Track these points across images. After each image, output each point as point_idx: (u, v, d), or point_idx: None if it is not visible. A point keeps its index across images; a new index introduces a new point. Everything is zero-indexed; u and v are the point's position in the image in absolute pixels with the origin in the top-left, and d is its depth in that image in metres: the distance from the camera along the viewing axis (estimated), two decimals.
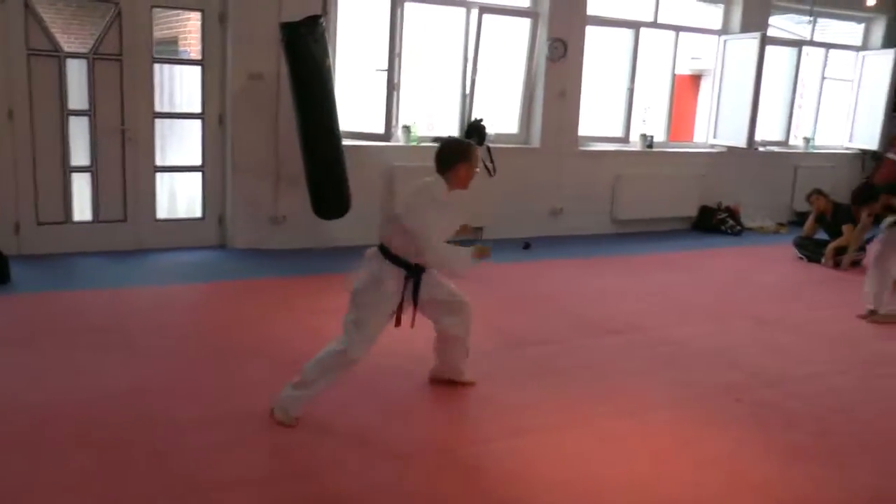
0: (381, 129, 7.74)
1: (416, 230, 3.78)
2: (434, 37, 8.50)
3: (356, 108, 7.65)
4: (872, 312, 6.15)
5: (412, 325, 4.10)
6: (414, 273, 3.94)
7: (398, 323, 3.98)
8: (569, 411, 4.22)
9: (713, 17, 10.22)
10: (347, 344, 3.85)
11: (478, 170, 4.13)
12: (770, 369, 5.11)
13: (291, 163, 7.14)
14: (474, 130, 8.15)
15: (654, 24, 9.53)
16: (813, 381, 4.97)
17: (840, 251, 8.05)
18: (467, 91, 8.27)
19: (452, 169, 3.99)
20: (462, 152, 4.04)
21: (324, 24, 6.67)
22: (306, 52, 6.52)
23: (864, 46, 11.74)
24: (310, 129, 6.74)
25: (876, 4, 10.09)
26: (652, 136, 9.59)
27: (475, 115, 8.23)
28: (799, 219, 10.23)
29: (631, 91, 9.45)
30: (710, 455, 3.84)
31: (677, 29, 9.74)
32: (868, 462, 3.89)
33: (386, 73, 7.49)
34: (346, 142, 7.06)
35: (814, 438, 4.12)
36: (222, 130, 7.33)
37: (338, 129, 6.87)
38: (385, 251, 3.92)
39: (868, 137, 11.51)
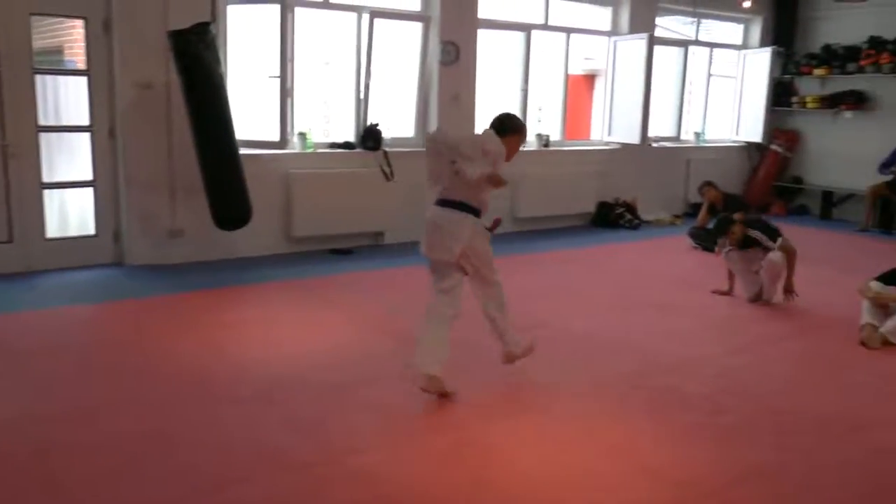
0: (276, 137, 7.64)
1: (492, 152, 4.18)
2: (327, 42, 8.44)
3: (251, 116, 7.52)
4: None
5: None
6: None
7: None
8: (474, 409, 4.25)
9: (603, 18, 10.48)
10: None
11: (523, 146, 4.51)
12: (668, 355, 5.27)
13: (188, 174, 6.98)
14: (370, 135, 8.16)
15: (545, 27, 9.72)
16: (707, 364, 5.15)
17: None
18: (362, 96, 8.26)
19: (509, 136, 4.38)
20: (522, 127, 4.52)
21: (213, 30, 6.56)
22: (197, 59, 6.40)
23: (745, 45, 12.29)
24: (204, 138, 6.61)
25: (752, 6, 10.53)
26: (548, 136, 9.76)
27: (371, 120, 8.23)
28: (693, 210, 10.57)
29: (525, 92, 9.59)
30: (610, 443, 3.93)
31: (568, 31, 9.95)
32: (759, 439, 4.06)
33: (279, 79, 7.40)
34: (242, 150, 6.95)
35: (708, 419, 4.27)
36: (113, 143, 7.08)
37: (233, 137, 6.76)
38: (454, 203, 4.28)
39: (752, 130, 12.04)
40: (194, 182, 6.86)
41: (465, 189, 4.30)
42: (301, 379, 4.58)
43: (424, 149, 4.64)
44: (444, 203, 4.39)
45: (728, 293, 6.91)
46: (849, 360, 5.38)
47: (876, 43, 11.05)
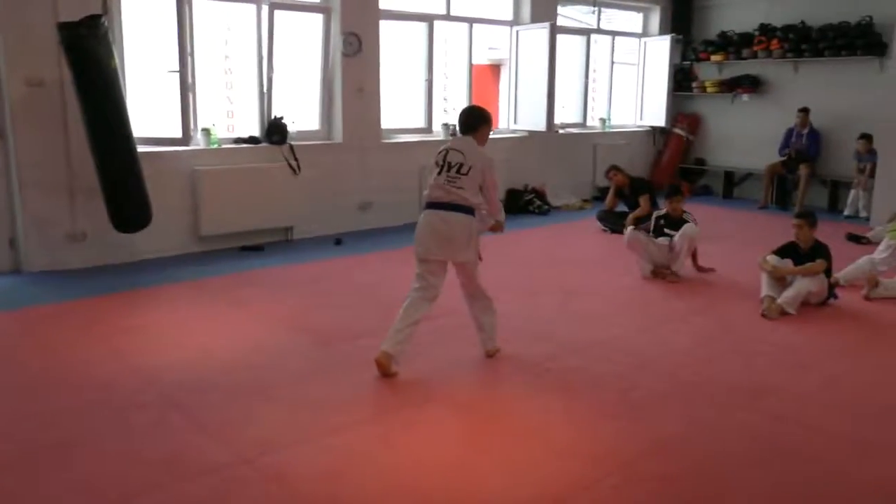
0: (178, 133, 7.45)
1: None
2: (228, 34, 8.27)
3: (150, 112, 7.32)
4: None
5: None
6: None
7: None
8: (385, 403, 4.23)
9: (504, 8, 10.55)
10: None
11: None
12: (578, 336, 5.35)
13: (86, 175, 6.72)
14: (275, 129, 8.04)
15: (448, 17, 9.73)
16: (617, 343, 5.25)
17: (639, 221, 8.51)
18: (265, 89, 8.13)
19: (479, 130, 4.70)
20: (486, 116, 4.78)
21: (106, 23, 6.31)
22: (89, 54, 6.15)
23: (645, 33, 12.58)
24: (100, 136, 6.37)
25: None
26: (455, 125, 9.74)
27: (275, 114, 8.11)
28: (601, 194, 10.76)
29: (429, 82, 9.59)
30: (521, 426, 3.97)
31: (470, 21, 9.99)
32: (667, 412, 4.16)
33: (178, 74, 7.22)
34: (141, 148, 6.75)
35: (618, 396, 4.36)
36: (4, 144, 6.73)
37: (131, 135, 6.54)
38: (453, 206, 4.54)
39: (656, 115, 12.32)
40: (94, 183, 6.62)
41: None
42: (210, 381, 4.47)
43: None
44: None
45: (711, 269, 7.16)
46: (750, 331, 5.56)
47: (766, 30, 11.45)
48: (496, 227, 4.93)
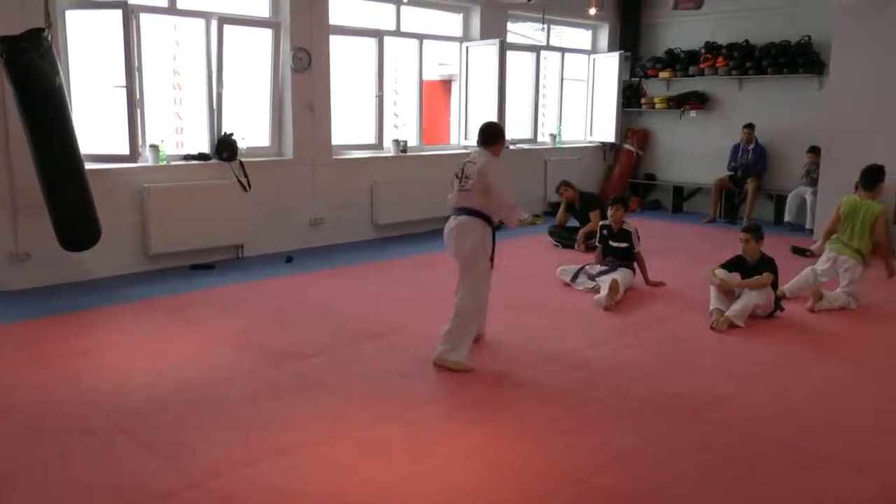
0: (126, 150, 7.31)
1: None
2: (176, 49, 8.16)
3: (97, 129, 7.18)
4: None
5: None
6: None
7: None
8: (335, 422, 4.17)
9: (454, 24, 10.62)
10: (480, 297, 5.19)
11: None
12: (530, 353, 5.35)
13: (31, 192, 6.56)
14: (225, 145, 7.96)
15: (397, 33, 9.75)
16: (567, 357, 5.27)
17: (589, 236, 8.59)
18: (214, 105, 8.05)
19: (496, 144, 5.23)
20: (501, 132, 5.36)
21: (49, 37, 6.19)
22: (31, 69, 5.99)
23: (594, 50, 12.75)
24: (45, 153, 6.22)
25: (598, 14, 10.91)
26: (405, 142, 9.78)
27: (225, 130, 8.03)
28: (552, 209, 10.82)
29: (380, 98, 9.59)
30: (469, 444, 3.93)
31: (420, 37, 10.03)
32: (619, 425, 4.18)
33: (125, 89, 7.11)
34: (88, 165, 6.62)
35: (570, 411, 4.36)
36: None
37: (77, 151, 6.40)
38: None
39: (606, 131, 12.50)
40: (39, 201, 6.46)
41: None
42: (159, 403, 4.38)
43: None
44: None
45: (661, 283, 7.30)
46: (699, 344, 5.63)
47: (712, 48, 11.69)
48: (506, 223, 5.40)
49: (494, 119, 9.99)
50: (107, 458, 3.73)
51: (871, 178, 6.76)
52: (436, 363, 4.98)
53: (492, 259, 5.28)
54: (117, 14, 7.03)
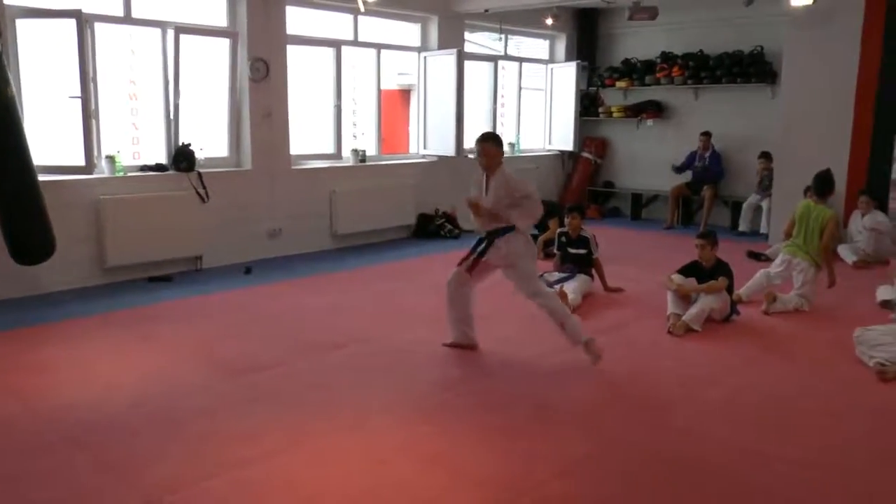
0: (81, 161, 7.20)
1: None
2: (132, 59, 8.08)
3: (51, 140, 7.07)
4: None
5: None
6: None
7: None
8: (294, 434, 4.13)
9: (412, 34, 10.65)
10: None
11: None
12: (491, 361, 5.38)
13: None
14: (183, 156, 7.90)
15: (355, 43, 9.75)
16: (527, 364, 5.30)
17: (548, 243, 8.63)
18: (171, 115, 7.99)
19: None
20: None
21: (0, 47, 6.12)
22: None
23: (552, 59, 12.85)
24: None
25: (555, 24, 11.01)
26: (364, 151, 9.78)
27: (183, 140, 7.97)
28: None
29: (338, 108, 9.58)
30: (429, 454, 3.93)
31: (378, 46, 10.04)
32: (577, 430, 4.22)
33: (80, 100, 7.02)
34: (42, 177, 6.52)
35: (529, 418, 4.39)
36: None
37: (30, 163, 6.31)
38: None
39: (564, 139, 12.58)
40: None
41: None
42: (114, 418, 4.31)
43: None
44: None
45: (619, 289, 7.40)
46: (657, 348, 5.70)
47: (667, 57, 11.86)
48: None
49: (453, 129, 10.08)
50: (60, 476, 3.67)
51: (824, 184, 6.90)
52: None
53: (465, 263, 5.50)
54: (71, 23, 6.94)
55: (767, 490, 3.59)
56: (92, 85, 7.34)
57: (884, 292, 6.82)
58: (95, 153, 7.44)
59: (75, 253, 7.20)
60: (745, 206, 10.72)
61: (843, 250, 8.86)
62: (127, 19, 7.69)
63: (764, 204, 10.40)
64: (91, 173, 7.35)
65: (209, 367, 5.18)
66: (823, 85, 9.21)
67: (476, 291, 5.59)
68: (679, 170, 11.23)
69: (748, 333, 6.12)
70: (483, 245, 5.35)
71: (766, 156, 10.50)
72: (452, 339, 5.63)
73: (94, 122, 7.39)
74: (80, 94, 7.04)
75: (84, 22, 7.08)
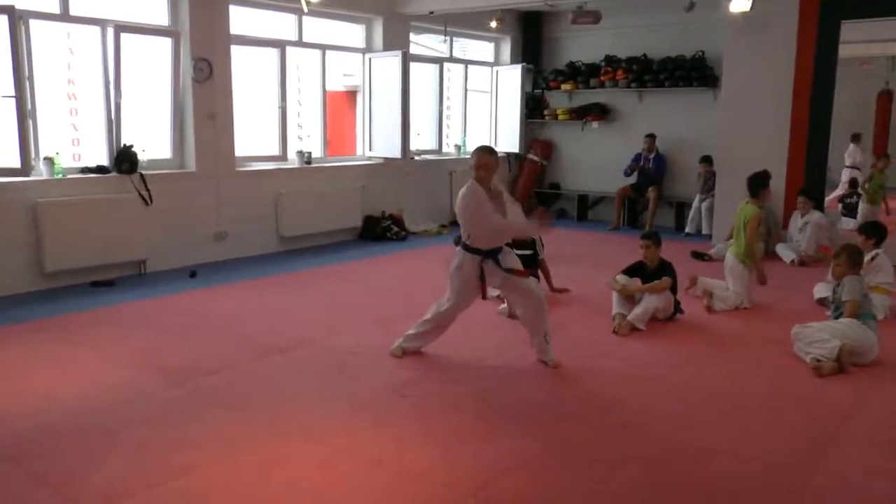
0: (17, 163, 7.01)
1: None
2: (71, 58, 7.90)
3: None
4: None
5: (484, 298, 5.50)
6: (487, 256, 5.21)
7: (484, 296, 5.48)
8: (238, 439, 4.08)
9: (356, 36, 10.62)
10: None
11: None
12: (435, 361, 5.38)
13: None
14: (125, 157, 7.75)
15: (300, 43, 9.69)
16: (472, 365, 5.32)
17: None
18: (113, 116, 7.84)
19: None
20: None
21: None
22: None
23: (497, 62, 12.93)
24: None
25: (498, 26, 11.08)
26: (310, 153, 9.72)
27: (125, 142, 7.82)
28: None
29: (283, 109, 9.52)
30: (375, 455, 3.92)
31: (323, 47, 9.99)
32: (522, 430, 4.24)
33: (14, 99, 6.84)
34: None
35: (474, 418, 4.40)
36: None
37: None
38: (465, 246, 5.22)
39: (510, 142, 12.63)
40: None
41: None
42: (50, 429, 4.19)
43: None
44: None
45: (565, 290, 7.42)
46: (603, 347, 5.76)
47: (612, 61, 12.03)
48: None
49: (399, 131, 10.07)
50: None
51: (754, 183, 7.09)
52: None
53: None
54: (3, 19, 6.74)
55: (709, 484, 3.66)
56: (28, 84, 7.15)
57: (820, 290, 7.00)
58: (33, 154, 7.25)
59: (12, 258, 7.03)
60: (692, 210, 10.89)
61: (781, 249, 9.07)
62: (64, 17, 7.52)
63: (705, 205, 10.59)
64: (28, 175, 7.15)
65: (151, 373, 5.09)
66: (762, 89, 9.43)
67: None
68: (629, 173, 11.38)
69: (691, 332, 6.23)
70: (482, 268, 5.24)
71: (707, 159, 10.70)
72: (411, 348, 5.53)
73: (30, 122, 7.21)
74: (14, 94, 6.86)
75: (18, 18, 6.88)
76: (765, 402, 4.74)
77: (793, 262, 8.84)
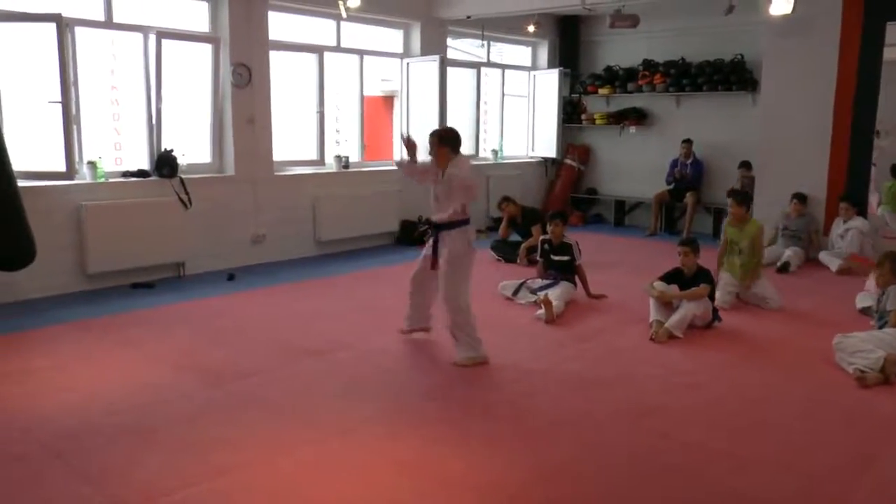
0: (62, 167, 7.15)
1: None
2: (114, 64, 8.03)
3: (31, 145, 7.00)
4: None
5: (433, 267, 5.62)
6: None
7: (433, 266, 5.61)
8: (274, 442, 4.11)
9: (395, 41, 10.66)
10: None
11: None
12: (476, 367, 5.35)
13: None
14: (165, 162, 7.86)
15: (338, 49, 9.76)
16: (508, 370, 5.30)
17: (531, 250, 8.65)
18: (154, 121, 7.96)
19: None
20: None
21: None
22: None
23: (534, 66, 12.90)
24: None
25: (537, 31, 11.06)
26: (347, 157, 9.78)
27: (165, 146, 7.94)
28: (495, 224, 10.87)
29: (321, 114, 9.59)
30: (410, 459, 3.93)
31: (361, 52, 10.06)
32: (557, 436, 4.22)
33: (61, 104, 6.97)
34: (22, 182, 6.47)
35: (509, 424, 4.39)
36: None
37: (10, 168, 6.27)
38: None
39: (547, 146, 12.62)
40: None
41: None
42: (94, 426, 4.27)
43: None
44: None
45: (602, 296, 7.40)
46: (640, 354, 5.71)
47: (649, 65, 11.94)
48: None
49: None
50: (37, 484, 3.64)
51: (739, 198, 7.47)
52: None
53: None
54: (51, 27, 6.89)
55: (747, 494, 3.60)
56: (73, 90, 7.30)
57: (863, 299, 6.88)
58: (77, 159, 7.41)
59: (56, 259, 7.15)
60: None
61: (825, 257, 8.93)
62: (108, 24, 7.67)
63: None
64: (72, 179, 7.31)
65: (190, 375, 5.15)
66: (802, 92, 9.29)
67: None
68: (670, 181, 11.31)
69: (730, 340, 6.15)
70: (433, 240, 5.61)
71: (745, 165, 10.58)
72: (411, 327, 5.98)
73: (74, 127, 7.35)
74: (60, 100, 7.00)
75: (64, 26, 7.02)
76: (805, 412, 4.67)
77: (838, 269, 8.64)
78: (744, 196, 7.54)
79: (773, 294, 7.10)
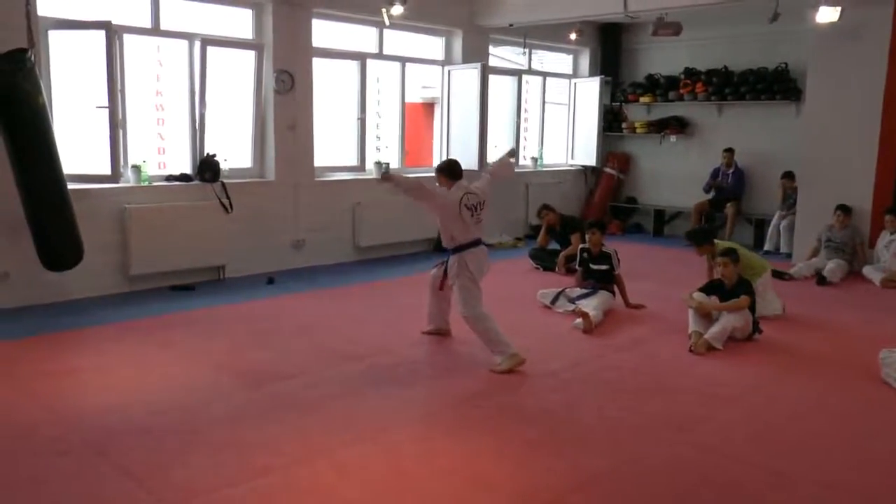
0: (107, 170, 7.29)
1: None
2: (159, 70, 8.17)
3: (79, 149, 7.15)
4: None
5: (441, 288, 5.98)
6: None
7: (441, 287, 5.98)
8: (312, 444, 4.15)
9: (436, 48, 10.71)
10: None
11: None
12: (515, 375, 5.35)
13: (10, 212, 6.55)
14: (207, 166, 7.98)
15: (380, 56, 9.83)
16: (546, 379, 5.29)
17: (570, 259, 8.62)
18: (197, 126, 8.07)
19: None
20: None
21: (32, 57, 6.21)
22: (14, 89, 6.03)
23: (575, 74, 12.87)
24: (28, 173, 6.25)
25: (578, 39, 11.03)
26: (388, 164, 9.82)
27: (208, 151, 8.05)
28: (533, 232, 10.87)
29: (362, 120, 9.65)
30: (447, 464, 3.94)
31: (402, 60, 10.11)
32: (595, 445, 4.20)
33: (108, 109, 7.11)
34: (71, 185, 6.62)
35: (547, 432, 4.38)
36: None
37: (60, 171, 6.42)
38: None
39: (587, 154, 12.58)
40: (19, 220, 6.47)
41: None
42: (137, 425, 4.35)
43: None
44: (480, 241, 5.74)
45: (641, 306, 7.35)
46: (678, 366, 5.66)
47: (691, 73, 11.85)
48: None
49: (476, 142, 10.12)
50: (81, 480, 3.71)
51: (700, 237, 7.24)
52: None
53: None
54: (100, 34, 7.04)
55: None
56: (119, 95, 7.43)
57: None
58: (121, 162, 7.54)
59: (100, 260, 7.28)
60: (772, 225, 10.63)
61: (868, 270, 8.79)
62: (155, 31, 7.80)
63: (784, 223, 10.32)
64: (117, 182, 7.44)
65: (231, 376, 5.22)
66: (849, 101, 9.14)
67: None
68: (708, 189, 11.21)
69: (771, 353, 6.07)
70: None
71: (788, 175, 10.44)
72: (432, 328, 6.27)
73: (120, 131, 7.48)
74: (107, 104, 7.14)
75: (113, 33, 7.16)
76: (850, 427, 4.59)
77: (882, 282, 8.48)
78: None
79: (772, 298, 7.05)
